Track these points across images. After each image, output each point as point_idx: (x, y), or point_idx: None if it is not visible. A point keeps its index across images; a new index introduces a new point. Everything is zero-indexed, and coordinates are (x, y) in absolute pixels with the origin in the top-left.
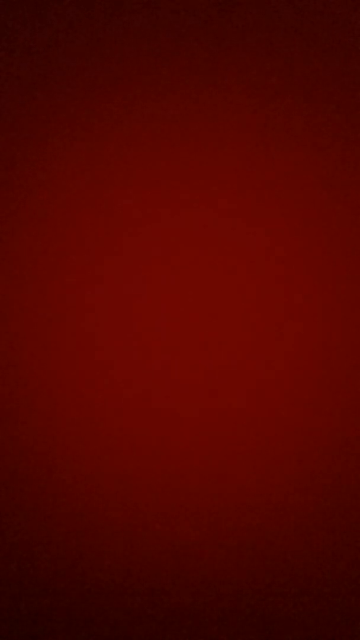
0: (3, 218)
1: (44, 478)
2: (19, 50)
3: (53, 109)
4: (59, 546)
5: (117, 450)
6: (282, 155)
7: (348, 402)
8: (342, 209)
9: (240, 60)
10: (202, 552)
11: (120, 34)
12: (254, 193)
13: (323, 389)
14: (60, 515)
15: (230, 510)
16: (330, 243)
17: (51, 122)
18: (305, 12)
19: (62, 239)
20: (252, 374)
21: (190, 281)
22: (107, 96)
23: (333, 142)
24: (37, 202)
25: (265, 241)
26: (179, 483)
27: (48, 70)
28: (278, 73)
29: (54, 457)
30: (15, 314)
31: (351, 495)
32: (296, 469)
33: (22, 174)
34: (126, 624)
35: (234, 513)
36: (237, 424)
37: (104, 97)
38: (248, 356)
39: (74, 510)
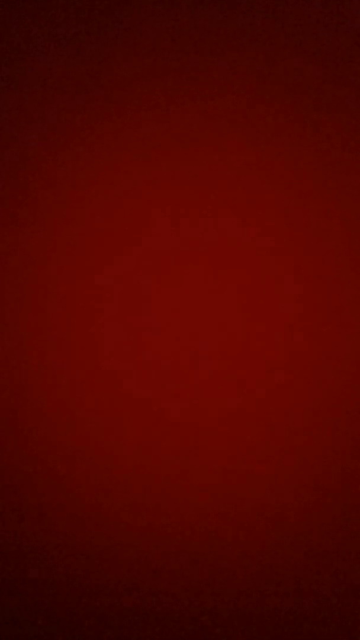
0: (5, 221)
1: (44, 478)
2: (19, 52)
3: (53, 112)
4: (59, 548)
5: (117, 451)
6: (283, 158)
7: (349, 403)
8: (343, 213)
9: (240, 60)
10: (202, 553)
11: (121, 36)
12: (254, 196)
13: (323, 391)
14: (60, 517)
15: (230, 512)
16: (331, 245)
17: (52, 124)
18: (305, 13)
19: (63, 241)
20: (252, 377)
21: (191, 282)
22: (108, 98)
23: (333, 144)
24: (38, 204)
25: (265, 243)
26: (179, 484)
27: (48, 71)
28: (278, 74)
29: (54, 457)
30: (16, 315)
31: (352, 495)
32: (297, 469)
33: (23, 176)
34: (126, 624)
35: (234, 514)
36: (237, 425)
37: (105, 100)
38: (248, 358)
39: (74, 511)
